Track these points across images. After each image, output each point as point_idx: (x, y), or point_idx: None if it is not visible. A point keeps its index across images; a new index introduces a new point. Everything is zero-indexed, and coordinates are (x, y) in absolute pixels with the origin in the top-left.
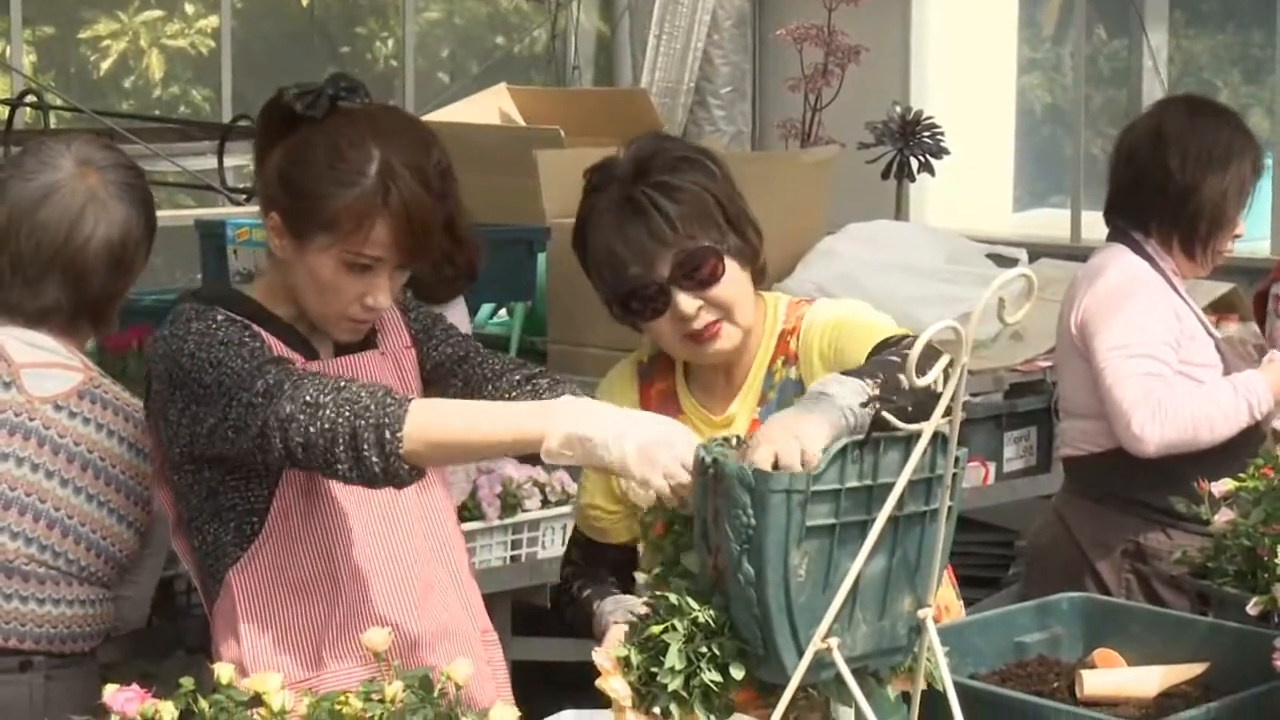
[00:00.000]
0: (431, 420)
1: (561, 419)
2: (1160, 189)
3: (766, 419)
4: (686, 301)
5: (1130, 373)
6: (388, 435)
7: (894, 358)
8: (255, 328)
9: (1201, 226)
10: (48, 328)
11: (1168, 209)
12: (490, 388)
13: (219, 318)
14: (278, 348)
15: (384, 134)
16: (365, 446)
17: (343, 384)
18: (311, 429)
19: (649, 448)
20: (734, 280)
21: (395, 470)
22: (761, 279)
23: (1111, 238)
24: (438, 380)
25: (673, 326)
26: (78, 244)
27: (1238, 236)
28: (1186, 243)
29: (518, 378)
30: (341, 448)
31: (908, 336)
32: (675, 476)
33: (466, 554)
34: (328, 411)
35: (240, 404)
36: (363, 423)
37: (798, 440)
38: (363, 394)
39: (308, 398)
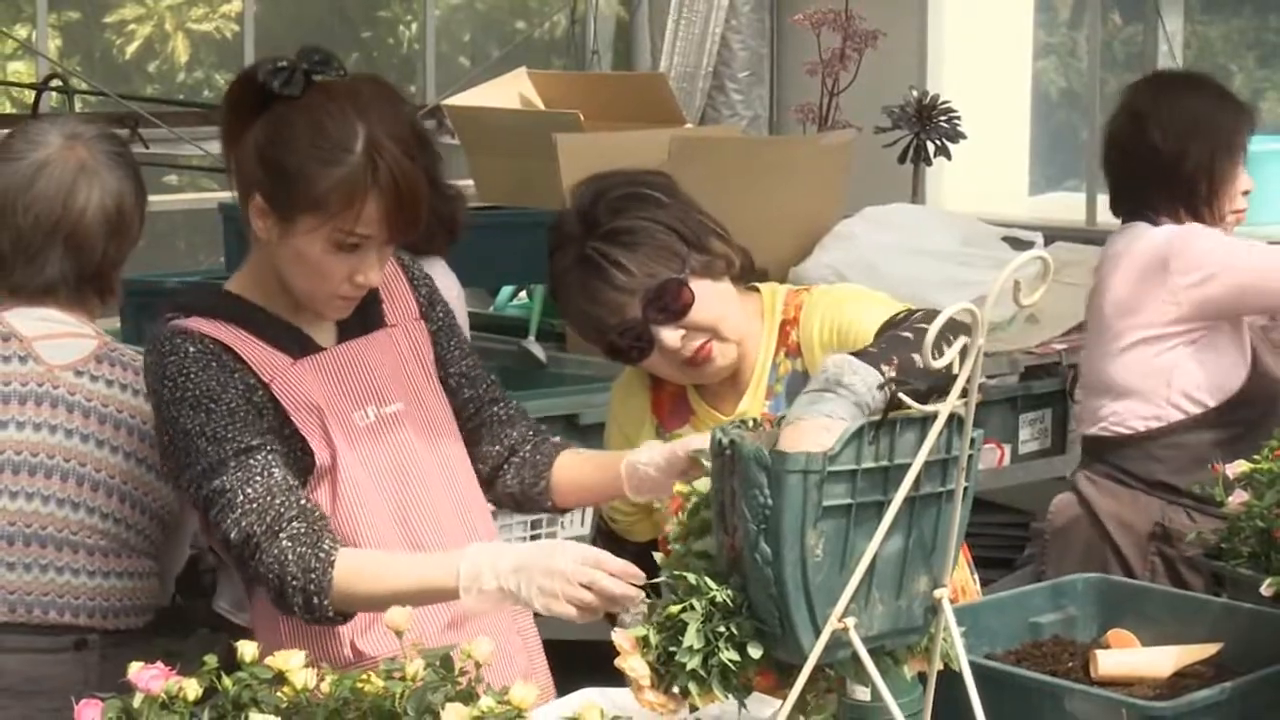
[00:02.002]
0: (355, 588)
1: (464, 575)
2: (1150, 165)
3: (785, 413)
4: (668, 335)
5: None
6: (315, 601)
7: (906, 334)
8: (235, 350)
9: (1201, 189)
10: (55, 302)
11: (1163, 182)
12: (494, 429)
13: (190, 351)
14: (266, 357)
15: (365, 107)
16: (294, 604)
17: (278, 525)
18: (249, 561)
19: (537, 578)
20: (708, 299)
21: (321, 620)
22: (750, 276)
23: (1126, 223)
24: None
25: (665, 359)
26: (75, 214)
27: (1247, 192)
28: (1192, 209)
29: (517, 433)
30: (271, 592)
31: (915, 312)
32: (577, 598)
33: (488, 513)
34: (262, 556)
35: (195, 484)
36: (292, 585)
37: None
38: (289, 553)
39: (246, 528)
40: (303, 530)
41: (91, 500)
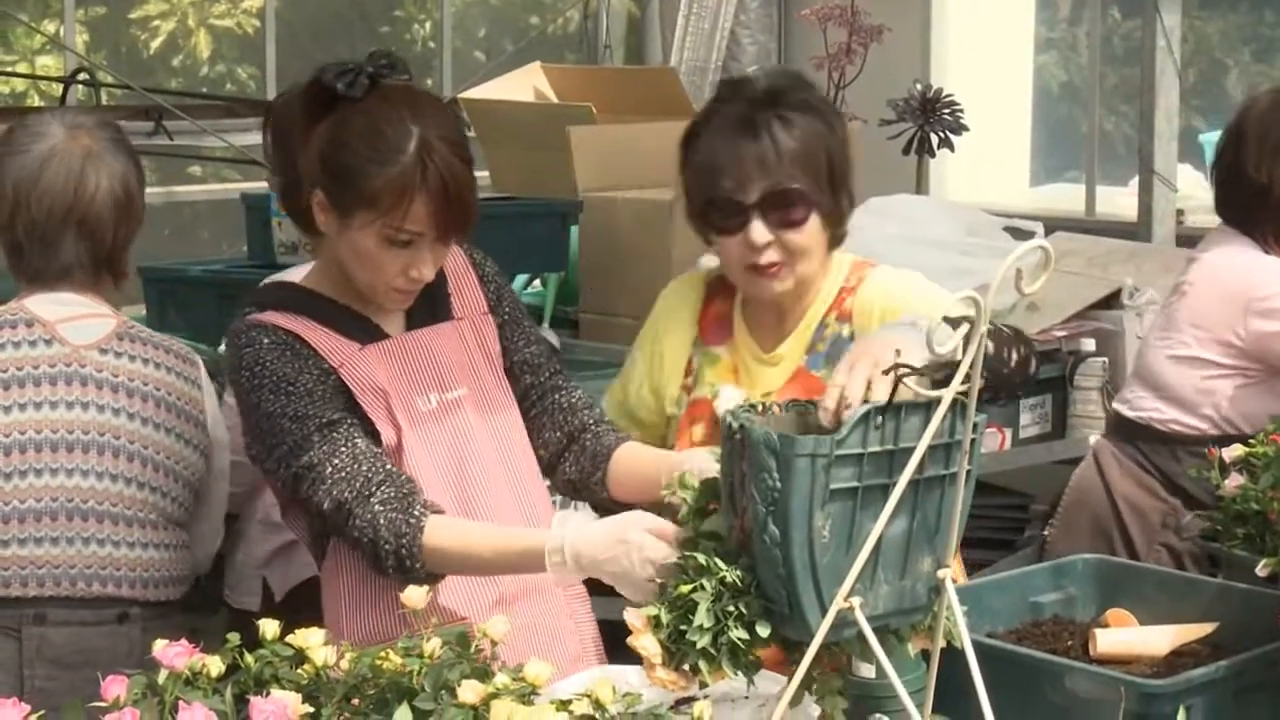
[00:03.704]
0: (446, 551)
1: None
2: (1242, 186)
3: (850, 347)
4: (760, 232)
5: None
6: (406, 563)
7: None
8: (305, 339)
9: None
10: (71, 285)
11: (1253, 206)
12: (555, 416)
13: (265, 342)
14: (334, 344)
15: (421, 111)
16: (387, 566)
17: (368, 490)
18: (344, 527)
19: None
20: (812, 232)
21: (413, 580)
22: (838, 244)
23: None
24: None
25: (740, 251)
26: (86, 198)
27: None
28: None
29: (579, 421)
30: (365, 555)
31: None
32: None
33: (548, 500)
34: (355, 520)
35: (284, 462)
36: (385, 548)
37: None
38: (380, 517)
39: (337, 496)
40: (392, 495)
41: (128, 471)
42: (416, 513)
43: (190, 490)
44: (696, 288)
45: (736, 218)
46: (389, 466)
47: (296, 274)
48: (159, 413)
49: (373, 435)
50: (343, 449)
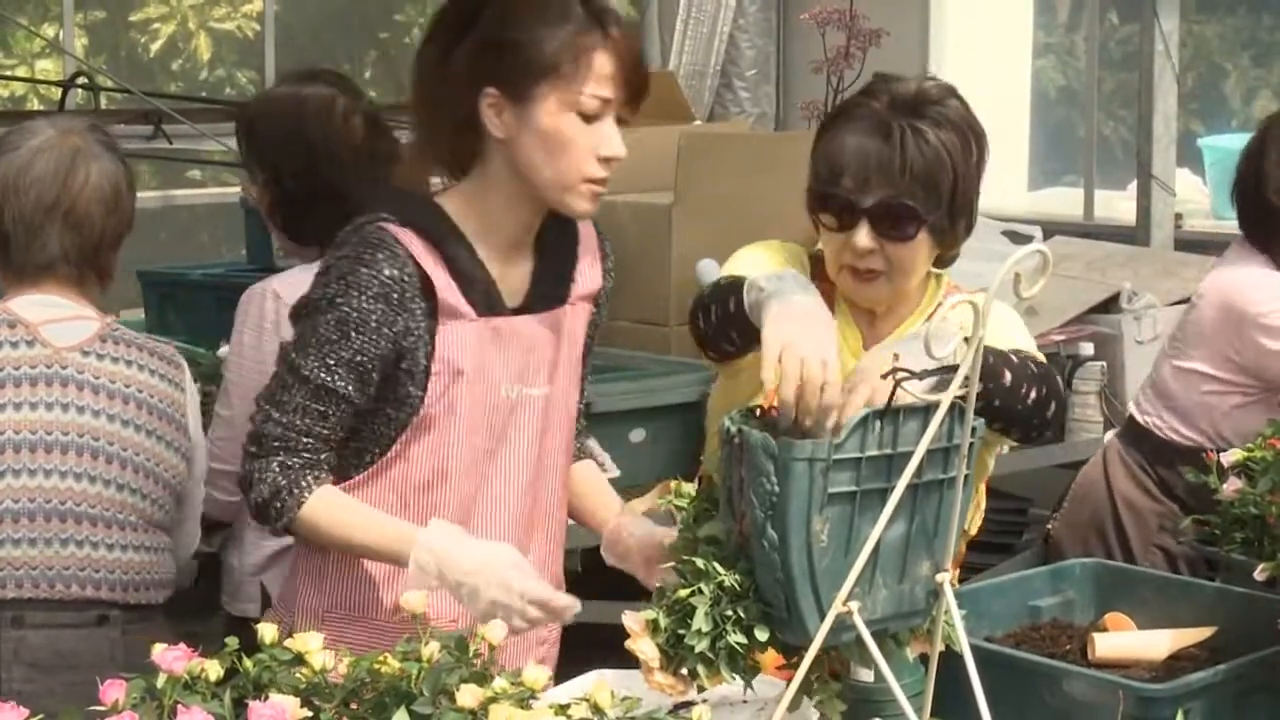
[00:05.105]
0: (317, 529)
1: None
2: (1260, 206)
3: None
4: (864, 238)
5: None
6: (271, 520)
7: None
8: (427, 287)
9: None
10: (55, 281)
11: (1273, 225)
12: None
13: (384, 274)
14: (453, 304)
15: None
16: (251, 510)
17: (294, 449)
18: (247, 484)
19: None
20: (917, 249)
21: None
22: (945, 265)
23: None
24: None
25: (841, 249)
26: (74, 190)
27: None
28: None
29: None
30: (241, 489)
31: (1036, 360)
32: (525, 615)
33: (564, 521)
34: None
35: (259, 408)
36: (257, 499)
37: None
38: (271, 474)
39: (266, 431)
40: (298, 464)
41: (107, 473)
42: (303, 484)
43: (171, 493)
44: (800, 255)
45: (844, 218)
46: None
47: (302, 270)
48: (140, 415)
49: (405, 401)
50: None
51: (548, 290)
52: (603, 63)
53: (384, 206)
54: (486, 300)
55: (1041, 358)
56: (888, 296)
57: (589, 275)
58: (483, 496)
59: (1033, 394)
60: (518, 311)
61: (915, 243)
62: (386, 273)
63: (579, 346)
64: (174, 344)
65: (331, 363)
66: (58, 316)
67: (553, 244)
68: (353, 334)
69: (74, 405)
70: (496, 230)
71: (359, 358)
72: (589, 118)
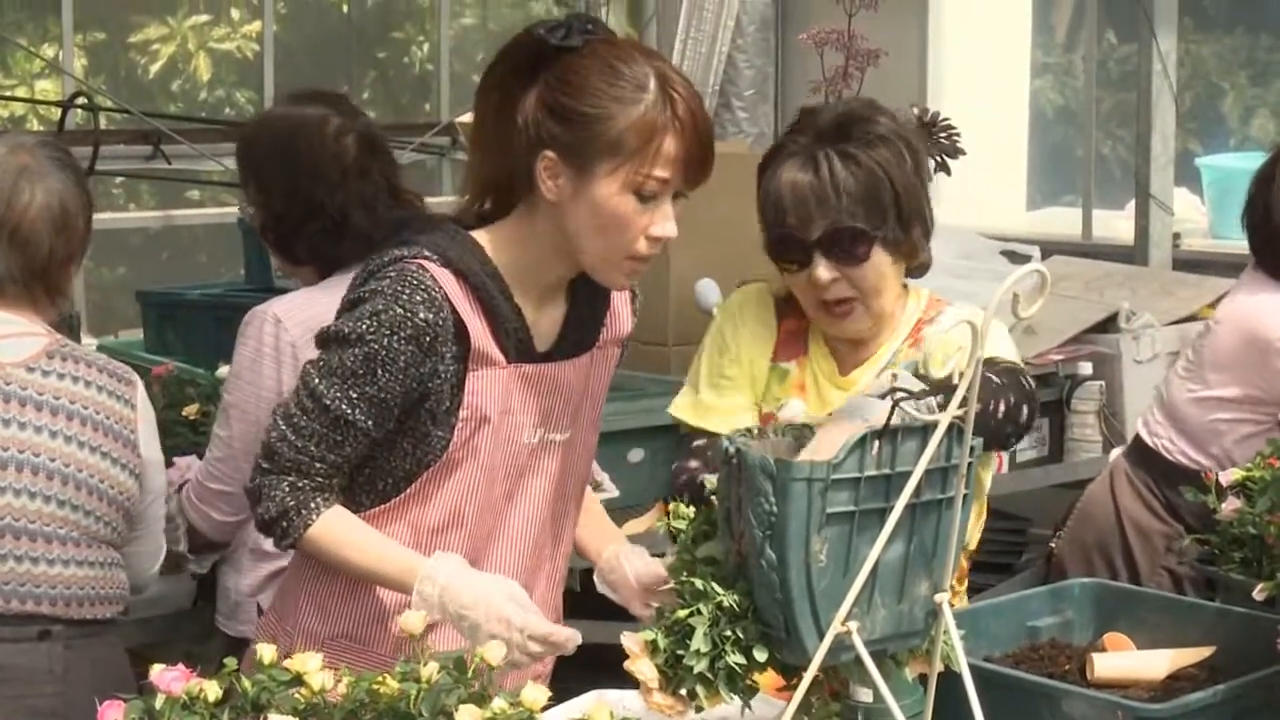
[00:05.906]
0: (322, 550)
1: (425, 576)
2: (1271, 233)
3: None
4: (824, 270)
5: None
6: (277, 538)
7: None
8: (461, 332)
9: None
10: (3, 300)
11: (1272, 251)
12: None
13: (419, 317)
14: (486, 352)
15: (649, 51)
16: (259, 525)
17: (306, 473)
18: (256, 497)
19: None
20: (878, 267)
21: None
22: (920, 274)
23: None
24: None
25: (806, 287)
26: (19, 210)
27: None
28: None
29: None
30: (250, 501)
31: (997, 370)
32: (529, 628)
33: (567, 556)
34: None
35: (275, 425)
36: (264, 516)
37: None
38: (280, 494)
39: (279, 449)
40: (308, 486)
41: (47, 489)
42: (312, 505)
43: (119, 510)
44: (765, 300)
45: (800, 256)
46: (334, 481)
47: (304, 294)
48: (85, 431)
49: (424, 439)
50: (334, 444)
51: (579, 335)
52: (671, 145)
53: (425, 242)
54: (519, 347)
55: (1014, 362)
56: (868, 325)
57: (619, 319)
58: (496, 537)
59: (1000, 407)
60: (548, 355)
61: (873, 262)
62: (422, 315)
63: (603, 388)
64: (172, 363)
65: (354, 396)
66: (5, 333)
67: (586, 288)
68: (379, 371)
69: (16, 421)
70: (534, 277)
71: (382, 394)
72: (646, 198)
